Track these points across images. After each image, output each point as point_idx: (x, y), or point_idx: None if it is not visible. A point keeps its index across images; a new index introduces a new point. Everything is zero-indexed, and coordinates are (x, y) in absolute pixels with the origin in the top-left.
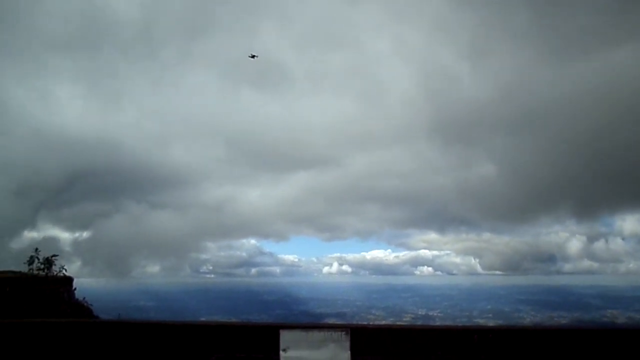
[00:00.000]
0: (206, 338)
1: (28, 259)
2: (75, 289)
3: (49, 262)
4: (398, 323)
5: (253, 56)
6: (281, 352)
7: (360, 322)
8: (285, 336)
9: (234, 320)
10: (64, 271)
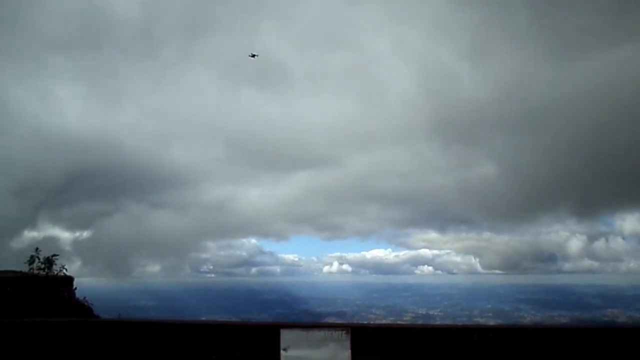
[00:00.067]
0: (206, 337)
1: (28, 258)
2: (75, 288)
3: (49, 261)
4: (398, 322)
5: (253, 55)
6: (281, 352)
7: (360, 322)
8: (285, 335)
9: (234, 319)
10: (64, 271)
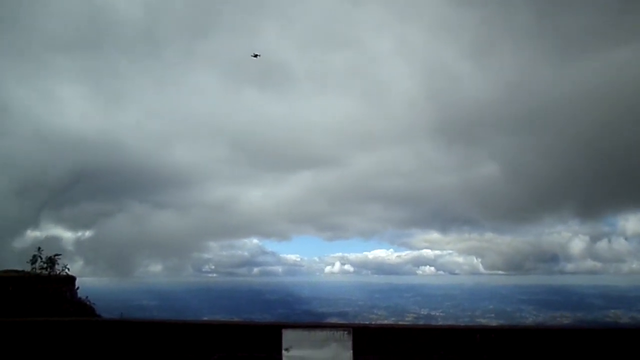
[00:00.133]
0: (208, 337)
1: (31, 258)
2: (77, 288)
3: (51, 261)
4: (400, 322)
5: (256, 55)
6: (283, 352)
7: (362, 322)
8: (287, 335)
9: (236, 319)
10: (66, 270)
